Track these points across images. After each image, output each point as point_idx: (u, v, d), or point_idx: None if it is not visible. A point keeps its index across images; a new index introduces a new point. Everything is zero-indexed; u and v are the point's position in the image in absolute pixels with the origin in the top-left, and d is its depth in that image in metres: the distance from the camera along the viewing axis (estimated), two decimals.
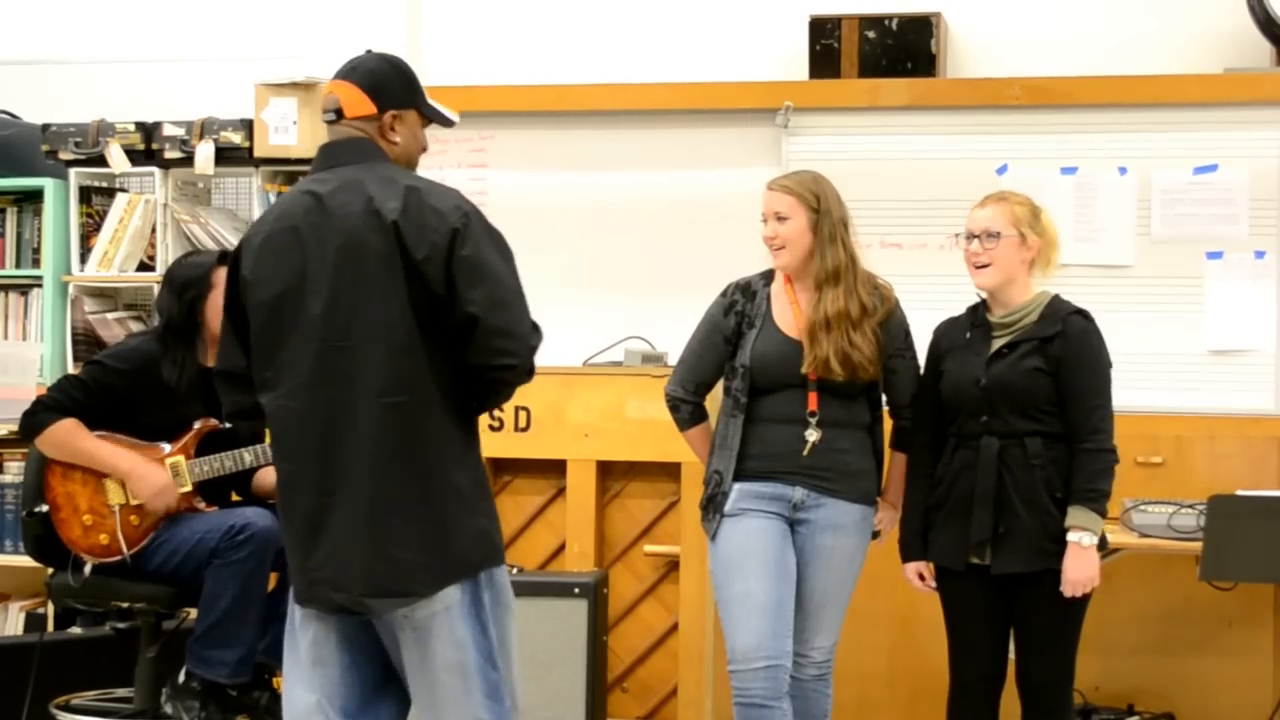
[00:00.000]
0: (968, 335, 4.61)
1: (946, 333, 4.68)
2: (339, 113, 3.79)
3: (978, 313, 4.64)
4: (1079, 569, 4.39)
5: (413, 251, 3.62)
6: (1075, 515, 4.40)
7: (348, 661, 3.77)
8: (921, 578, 4.66)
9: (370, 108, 3.79)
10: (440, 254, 3.61)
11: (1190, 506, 5.31)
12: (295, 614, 3.81)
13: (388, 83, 3.81)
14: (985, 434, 4.48)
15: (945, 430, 4.60)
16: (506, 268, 3.70)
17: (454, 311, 3.63)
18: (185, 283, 5.22)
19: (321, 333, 3.65)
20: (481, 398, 3.78)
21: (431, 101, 3.89)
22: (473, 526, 3.71)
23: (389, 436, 3.62)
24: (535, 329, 3.74)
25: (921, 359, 4.74)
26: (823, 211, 4.61)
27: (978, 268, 4.55)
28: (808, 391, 4.56)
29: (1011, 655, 4.57)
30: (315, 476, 3.68)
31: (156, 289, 5.42)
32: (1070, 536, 4.39)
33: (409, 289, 3.63)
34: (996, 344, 4.53)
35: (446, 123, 3.93)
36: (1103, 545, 4.45)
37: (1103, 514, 4.43)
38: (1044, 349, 4.48)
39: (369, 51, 3.91)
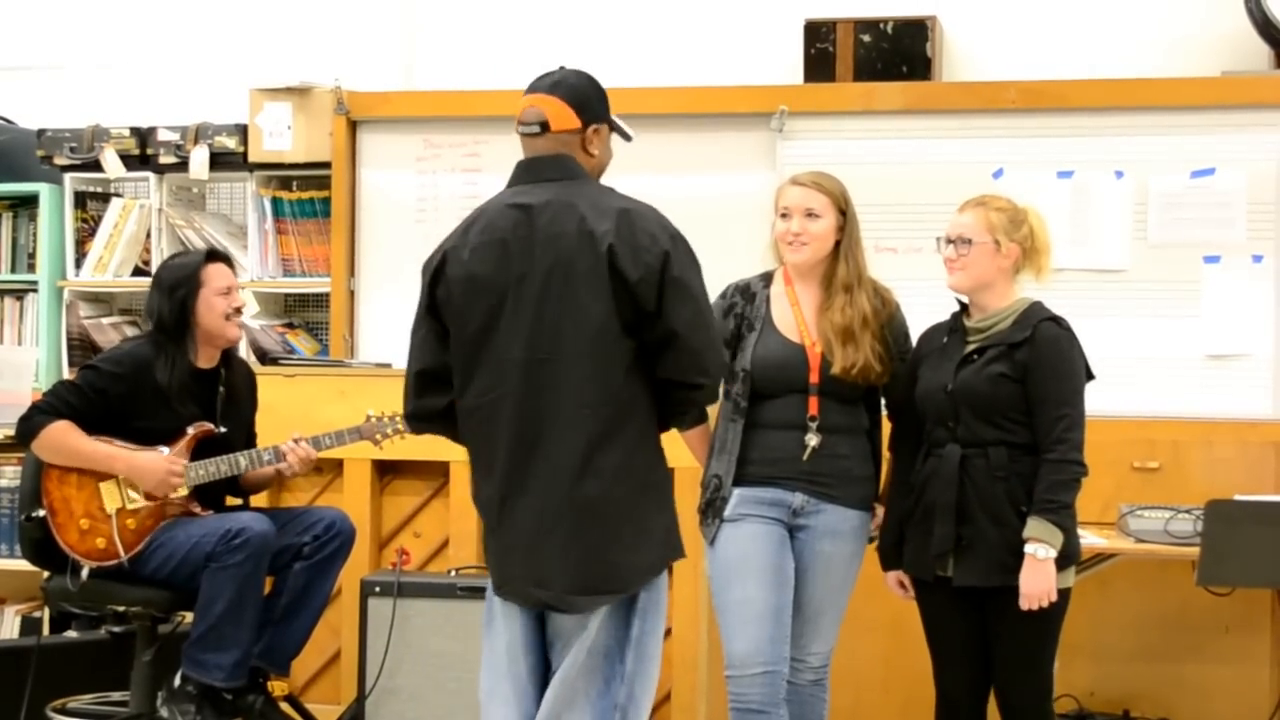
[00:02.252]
0: (944, 340, 4.56)
1: (926, 339, 4.64)
2: (545, 125, 3.92)
3: (958, 318, 4.60)
4: (1034, 582, 4.30)
5: (627, 273, 3.79)
6: (1033, 527, 4.31)
7: (532, 660, 3.99)
8: (903, 585, 4.63)
9: (575, 122, 3.95)
10: (654, 275, 3.80)
11: (1187, 511, 5.29)
12: (496, 608, 4.01)
13: (589, 98, 3.99)
14: (950, 441, 4.43)
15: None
16: (704, 291, 3.92)
17: (656, 327, 3.83)
18: (175, 282, 5.23)
19: (528, 344, 3.83)
20: (666, 416, 4.00)
21: (616, 116, 4.04)
22: (664, 525, 3.97)
23: (594, 444, 3.82)
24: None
25: None
26: (850, 217, 4.62)
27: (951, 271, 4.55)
28: (809, 396, 4.54)
29: None
30: (513, 481, 3.87)
31: None
32: (1027, 548, 4.30)
33: (615, 307, 3.80)
34: (968, 349, 4.49)
35: (627, 137, 4.08)
36: (1064, 562, 4.36)
37: (1063, 526, 4.32)
38: (1011, 355, 4.41)
39: (563, 67, 4.05)
